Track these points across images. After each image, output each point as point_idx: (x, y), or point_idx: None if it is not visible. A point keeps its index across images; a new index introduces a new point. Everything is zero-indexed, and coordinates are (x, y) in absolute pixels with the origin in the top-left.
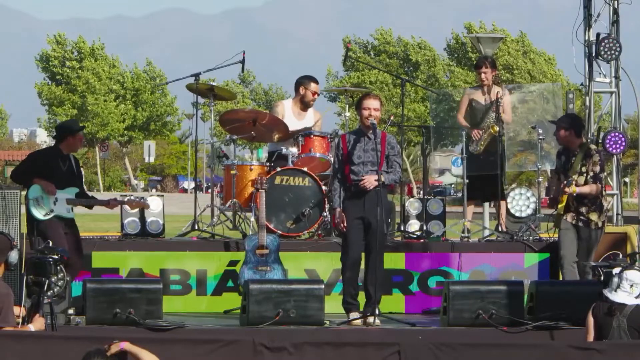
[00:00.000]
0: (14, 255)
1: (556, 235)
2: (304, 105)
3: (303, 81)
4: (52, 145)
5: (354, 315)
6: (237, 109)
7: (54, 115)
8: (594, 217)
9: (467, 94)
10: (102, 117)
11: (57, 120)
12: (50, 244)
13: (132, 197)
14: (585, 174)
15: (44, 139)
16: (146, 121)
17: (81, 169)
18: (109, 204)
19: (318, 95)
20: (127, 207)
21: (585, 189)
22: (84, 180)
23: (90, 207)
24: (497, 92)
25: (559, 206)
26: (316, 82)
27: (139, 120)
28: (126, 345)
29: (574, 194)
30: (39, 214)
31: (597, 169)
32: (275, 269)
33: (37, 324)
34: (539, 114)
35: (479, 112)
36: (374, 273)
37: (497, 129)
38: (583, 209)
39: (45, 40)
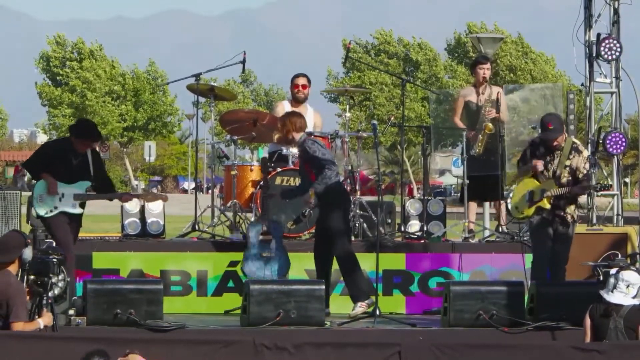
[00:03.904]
0: (28, 253)
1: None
2: (295, 101)
3: (292, 78)
4: (66, 137)
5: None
6: (238, 110)
7: (53, 117)
8: (570, 209)
9: (461, 95)
10: (101, 116)
11: (56, 122)
12: (54, 243)
13: (148, 189)
14: (569, 168)
15: (44, 139)
16: (146, 121)
17: (102, 160)
18: (121, 197)
19: (307, 87)
20: (127, 207)
21: (583, 192)
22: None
23: (110, 199)
24: (498, 92)
25: (541, 204)
26: (302, 75)
27: (140, 120)
28: None
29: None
30: (41, 210)
31: (588, 166)
32: (278, 255)
33: (46, 319)
34: (539, 114)
35: (473, 113)
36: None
37: (491, 127)
38: (560, 202)
39: (45, 41)
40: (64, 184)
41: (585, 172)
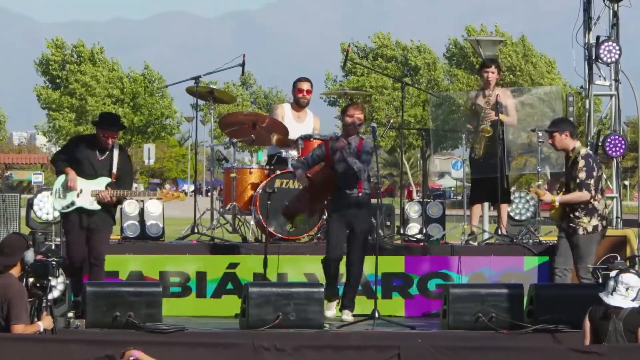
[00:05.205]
0: (30, 255)
1: (555, 238)
2: (298, 105)
3: (295, 82)
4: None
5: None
6: (237, 112)
7: (53, 120)
8: (584, 221)
9: (469, 98)
10: None
11: (56, 124)
12: (53, 246)
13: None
14: (574, 180)
15: (43, 142)
16: (144, 124)
17: (130, 164)
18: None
19: (310, 93)
20: (127, 209)
21: (567, 198)
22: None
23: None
24: (497, 95)
25: (551, 212)
26: (306, 80)
27: (137, 123)
28: (138, 354)
29: (555, 204)
30: (58, 205)
31: (583, 175)
32: None
33: (46, 322)
34: (538, 117)
35: (475, 115)
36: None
37: (488, 129)
38: (575, 214)
39: (44, 44)
40: (86, 179)
41: (578, 181)
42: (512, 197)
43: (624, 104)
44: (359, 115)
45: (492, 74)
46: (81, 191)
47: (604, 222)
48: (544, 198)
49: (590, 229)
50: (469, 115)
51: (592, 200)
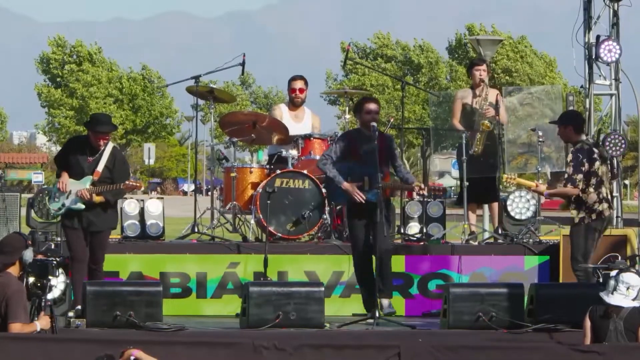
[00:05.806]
0: (28, 254)
1: (556, 237)
2: (293, 104)
3: (288, 81)
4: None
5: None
6: (237, 112)
7: (53, 118)
8: (573, 213)
9: (458, 97)
10: None
11: (56, 123)
12: (53, 245)
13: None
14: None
15: (43, 141)
16: (145, 125)
17: (125, 165)
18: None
19: (304, 91)
20: (127, 209)
21: (553, 191)
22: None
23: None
24: (497, 95)
25: (561, 205)
26: (298, 78)
27: (139, 125)
28: (138, 354)
29: (544, 196)
30: (52, 208)
31: (570, 170)
32: None
33: (43, 322)
34: (538, 117)
35: (469, 114)
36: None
37: (488, 124)
38: (570, 208)
39: (45, 42)
40: (76, 180)
41: (565, 175)
42: (510, 196)
43: (624, 103)
44: (376, 108)
45: (483, 72)
46: (70, 192)
47: (593, 216)
48: (538, 189)
49: (576, 220)
50: (461, 115)
51: (580, 194)
